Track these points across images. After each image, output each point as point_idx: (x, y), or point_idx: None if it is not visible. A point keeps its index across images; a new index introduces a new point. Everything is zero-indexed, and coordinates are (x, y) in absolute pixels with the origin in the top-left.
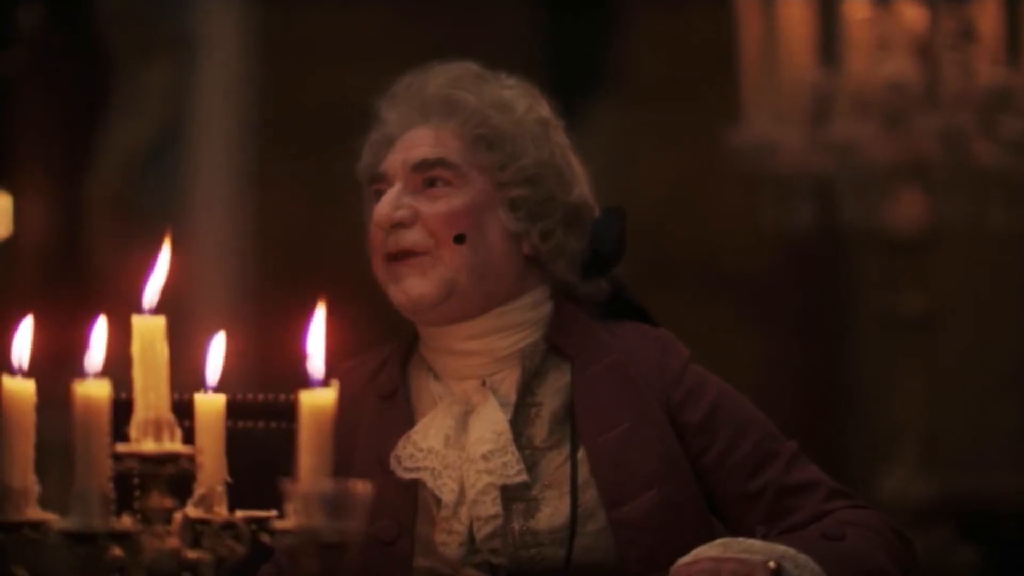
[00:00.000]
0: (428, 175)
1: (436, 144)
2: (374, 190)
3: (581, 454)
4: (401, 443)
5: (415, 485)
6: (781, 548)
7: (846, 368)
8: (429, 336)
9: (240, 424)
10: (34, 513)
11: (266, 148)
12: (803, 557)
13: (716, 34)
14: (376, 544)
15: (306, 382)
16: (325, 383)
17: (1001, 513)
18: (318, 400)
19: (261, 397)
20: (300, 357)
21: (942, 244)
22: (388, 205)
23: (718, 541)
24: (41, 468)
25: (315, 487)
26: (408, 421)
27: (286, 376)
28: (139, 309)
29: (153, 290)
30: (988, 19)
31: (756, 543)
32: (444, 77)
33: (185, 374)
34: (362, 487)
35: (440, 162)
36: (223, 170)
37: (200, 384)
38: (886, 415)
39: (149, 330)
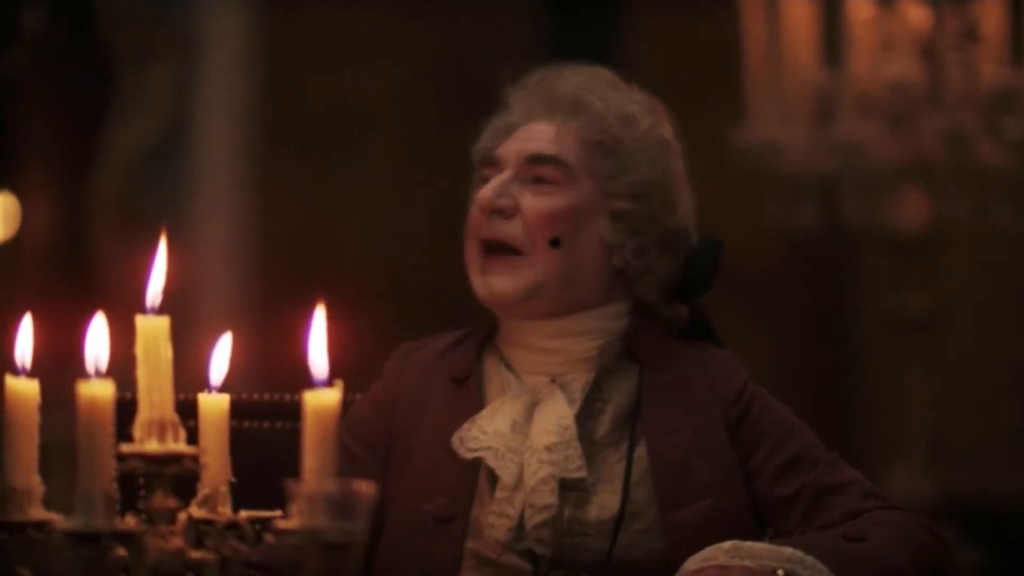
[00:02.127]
0: (539, 171)
1: (555, 141)
2: (483, 175)
3: (637, 454)
4: (467, 425)
5: (475, 470)
6: (788, 551)
7: (850, 368)
8: (509, 329)
9: (244, 424)
10: (38, 513)
11: (268, 148)
12: (811, 559)
13: (720, 35)
14: (431, 522)
15: (310, 382)
16: (329, 383)
17: (1005, 513)
18: (322, 400)
19: (265, 397)
20: (303, 357)
21: (946, 244)
22: (493, 190)
23: (727, 543)
24: (45, 468)
25: (319, 487)
26: (478, 407)
27: (290, 376)
28: (143, 309)
29: (156, 290)
30: (992, 19)
31: (764, 547)
32: (577, 79)
33: (189, 374)
34: (366, 487)
35: (554, 159)
36: (225, 170)
37: (204, 384)
38: (890, 415)
39: (153, 330)
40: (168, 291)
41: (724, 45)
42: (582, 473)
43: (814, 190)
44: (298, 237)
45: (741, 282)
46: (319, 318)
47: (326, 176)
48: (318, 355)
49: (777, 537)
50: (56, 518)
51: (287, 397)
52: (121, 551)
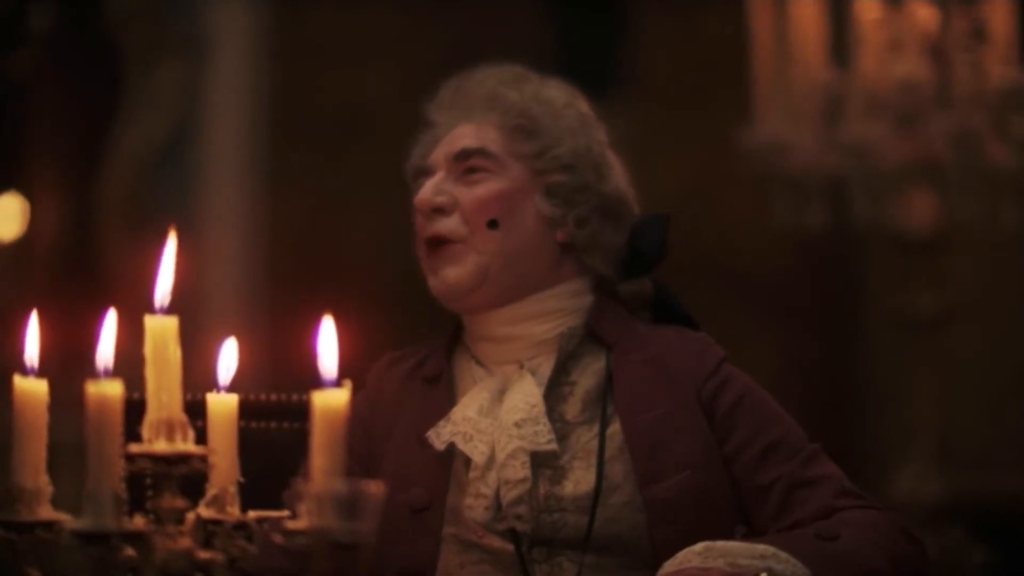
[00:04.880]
0: (468, 164)
1: (477, 135)
2: (419, 184)
3: (611, 431)
4: (442, 422)
5: (449, 458)
6: (761, 547)
7: (858, 368)
8: (471, 324)
9: (252, 424)
10: (47, 513)
11: (277, 148)
12: (784, 555)
13: (728, 35)
14: (406, 511)
15: (318, 382)
16: (337, 383)
17: (1014, 513)
18: (330, 400)
19: (273, 397)
20: (312, 357)
21: (954, 244)
22: (428, 191)
23: (699, 545)
24: (54, 468)
25: (328, 487)
26: (450, 403)
27: (298, 376)
28: (152, 309)
29: (165, 290)
30: (1000, 19)
31: (736, 545)
32: (489, 78)
33: (198, 374)
34: (375, 487)
35: (479, 151)
36: (234, 170)
37: (213, 384)
38: (899, 415)
39: (162, 330)
40: (177, 290)
41: (732, 45)
42: (552, 446)
43: (822, 190)
44: (306, 235)
45: (749, 282)
46: (327, 319)
47: (334, 175)
48: (327, 355)
49: (749, 534)
50: (65, 518)
51: (295, 397)
52: (129, 551)
